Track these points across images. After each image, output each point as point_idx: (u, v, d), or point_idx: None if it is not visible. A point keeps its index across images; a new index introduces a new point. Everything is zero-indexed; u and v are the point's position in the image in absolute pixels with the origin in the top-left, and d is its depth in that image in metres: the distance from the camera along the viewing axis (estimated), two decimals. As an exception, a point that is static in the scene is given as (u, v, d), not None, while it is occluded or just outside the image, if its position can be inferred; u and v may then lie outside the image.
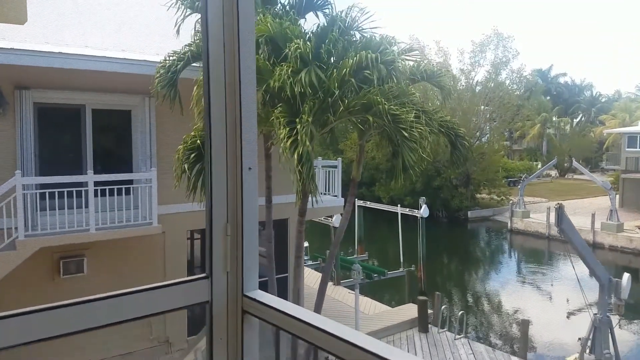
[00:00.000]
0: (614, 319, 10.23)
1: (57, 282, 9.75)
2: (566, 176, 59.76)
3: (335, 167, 13.43)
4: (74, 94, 9.94)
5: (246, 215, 1.65)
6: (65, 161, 10.15)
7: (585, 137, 60.37)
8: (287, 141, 6.25)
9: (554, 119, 63.67)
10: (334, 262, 10.27)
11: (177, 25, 8.63)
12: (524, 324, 12.26)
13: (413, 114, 6.84)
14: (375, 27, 8.24)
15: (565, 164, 57.78)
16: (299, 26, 7.97)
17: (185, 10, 8.71)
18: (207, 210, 1.62)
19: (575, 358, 10.51)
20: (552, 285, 23.05)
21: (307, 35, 7.67)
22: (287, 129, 6.37)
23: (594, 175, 33.08)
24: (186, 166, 7.60)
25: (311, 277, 16.98)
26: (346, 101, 7.06)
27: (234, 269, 1.66)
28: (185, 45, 9.17)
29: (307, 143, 6.21)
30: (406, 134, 6.74)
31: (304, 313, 1.43)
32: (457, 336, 12.66)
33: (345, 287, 16.50)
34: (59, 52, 9.04)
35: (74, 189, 8.97)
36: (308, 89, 6.57)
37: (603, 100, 72.71)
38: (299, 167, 6.22)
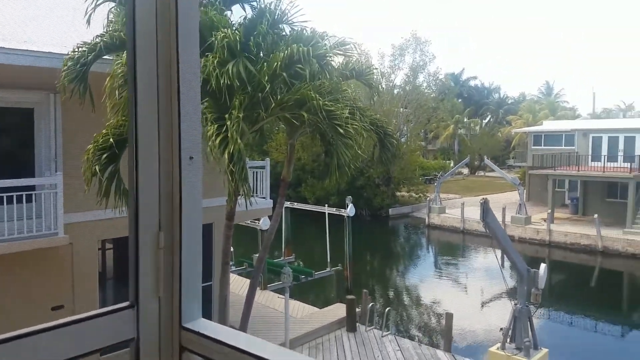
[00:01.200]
0: (532, 308, 10.78)
1: (-58, 306, 8.42)
2: (477, 174, 63.75)
3: (263, 167, 13.00)
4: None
5: (186, 219, 1.24)
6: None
7: (494, 136, 64.85)
8: (216, 139, 5.74)
9: (465, 120, 67.54)
10: (263, 266, 9.81)
11: (88, 14, 7.75)
12: (448, 318, 12.59)
13: (347, 110, 6.62)
14: (306, 21, 7.97)
15: (476, 162, 61.50)
16: (225, 16, 7.46)
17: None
18: (132, 215, 1.20)
19: (498, 347, 10.94)
20: (466, 277, 24.22)
21: (234, 27, 7.19)
22: (216, 125, 5.86)
23: (503, 172, 35.41)
24: (97, 168, 6.80)
25: (236, 283, 16.38)
26: (278, 97, 6.69)
27: (168, 293, 1.25)
28: (97, 35, 8.29)
29: (239, 141, 5.76)
30: (342, 131, 6.50)
31: (267, 347, 1.07)
32: (385, 333, 12.73)
33: (272, 291, 16.09)
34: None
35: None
36: (236, 82, 6.10)
37: (510, 102, 78.46)
38: (231, 167, 5.74)
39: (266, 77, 6.56)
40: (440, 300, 20.05)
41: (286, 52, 6.52)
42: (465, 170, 61.06)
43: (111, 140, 6.82)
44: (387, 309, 13.71)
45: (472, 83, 78.64)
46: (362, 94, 18.35)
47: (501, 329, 11.04)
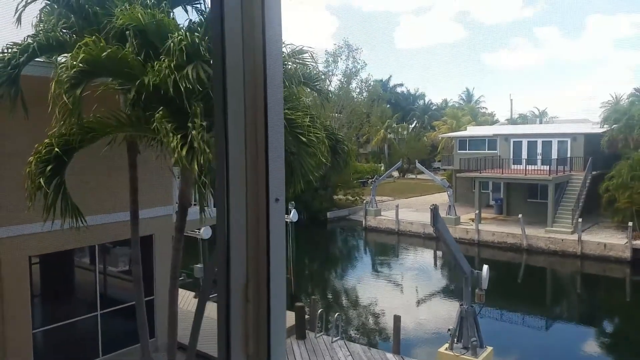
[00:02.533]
0: (477, 308, 11.27)
1: None
2: (406, 176, 66.09)
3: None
4: None
5: (274, 267, 1.14)
6: None
7: (420, 141, 67.51)
8: (182, 150, 5.43)
9: (394, 125, 69.80)
10: (211, 279, 9.45)
11: (18, 12, 7.09)
12: (396, 320, 12.85)
13: (308, 118, 6.54)
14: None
15: (405, 166, 63.71)
16: (173, 19, 7.12)
17: (26, -5, 7.20)
18: (223, 267, 1.09)
19: (446, 348, 11.32)
20: (402, 277, 24.99)
21: (183, 30, 6.86)
22: (179, 135, 5.55)
23: (433, 175, 36.93)
24: (42, 181, 6.20)
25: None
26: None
27: (256, 350, 1.14)
28: (29, 35, 7.60)
29: (207, 150, 5.48)
30: (304, 139, 6.40)
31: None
32: (334, 339, 12.77)
33: (214, 301, 15.59)
34: None
35: None
36: (197, 87, 5.81)
37: (433, 108, 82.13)
38: (203, 179, 5.47)
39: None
40: (378, 300, 20.52)
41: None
42: (396, 173, 63.12)
43: (56, 150, 6.26)
44: (337, 314, 13.76)
45: (399, 90, 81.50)
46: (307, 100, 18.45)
47: (449, 329, 11.44)
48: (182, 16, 8.88)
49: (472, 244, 28.43)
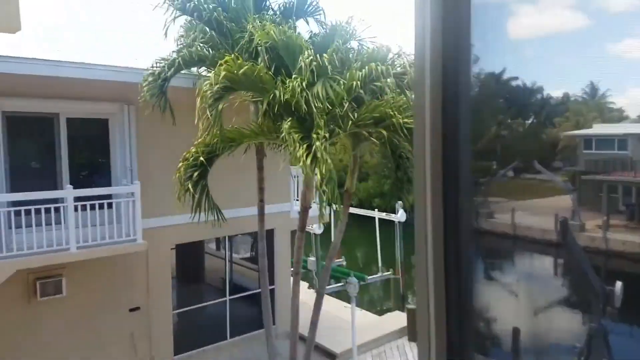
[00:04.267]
0: (607, 327, 10.36)
1: (35, 305, 9.02)
2: (520, 177, 62.07)
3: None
4: (47, 102, 9.21)
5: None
6: (40, 175, 9.39)
7: (537, 139, 62.95)
8: (306, 159, 5.94)
9: (507, 121, 65.99)
10: (329, 274, 9.99)
11: (166, 26, 8.10)
12: (515, 333, 12.33)
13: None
14: (374, 37, 8.08)
15: (520, 165, 60.05)
16: (300, 35, 7.67)
17: (174, 12, 8.20)
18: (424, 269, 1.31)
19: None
20: (517, 283, 23.57)
21: (309, 45, 7.39)
22: (304, 145, 6.06)
23: (553, 176, 34.33)
24: (190, 185, 7.14)
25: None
26: (355, 114, 6.82)
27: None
28: (174, 50, 8.66)
29: (329, 161, 5.93)
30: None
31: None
32: (446, 343, 12.64)
33: (327, 294, 16.23)
34: (32, 58, 8.34)
35: (51, 205, 8.30)
36: (326, 104, 6.28)
37: (553, 103, 75.77)
38: (324, 186, 5.93)
39: (344, 96, 6.71)
40: (491, 306, 19.67)
41: (365, 70, 6.65)
42: (510, 173, 59.76)
43: (201, 158, 7.15)
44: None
45: (513, 83, 76.63)
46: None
47: (575, 346, 10.73)
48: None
49: (598, 254, 25.97)
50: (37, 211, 8.22)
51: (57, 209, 8.47)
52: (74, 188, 8.60)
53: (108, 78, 8.99)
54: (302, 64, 6.53)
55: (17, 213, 8.33)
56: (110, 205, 9.23)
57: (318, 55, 6.62)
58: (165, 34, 8.83)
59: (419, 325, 1.28)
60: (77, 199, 8.63)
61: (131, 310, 10.22)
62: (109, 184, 9.95)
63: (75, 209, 8.50)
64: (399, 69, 6.58)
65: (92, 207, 8.78)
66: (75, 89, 9.27)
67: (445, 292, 1.25)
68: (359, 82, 6.59)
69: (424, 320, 1.27)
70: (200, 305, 11.53)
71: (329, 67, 6.51)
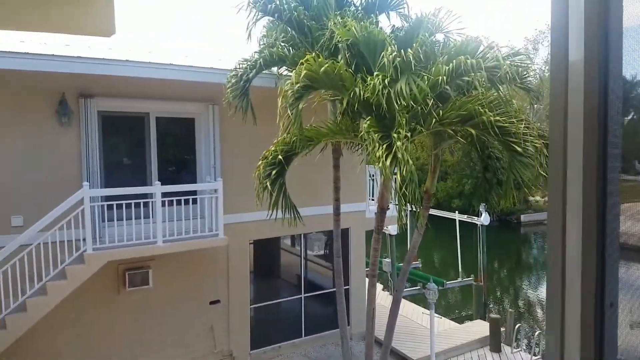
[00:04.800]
0: None
1: (124, 295, 9.57)
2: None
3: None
4: (138, 102, 9.72)
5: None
6: (130, 171, 9.95)
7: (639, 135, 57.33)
8: (386, 160, 5.68)
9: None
10: (406, 278, 9.64)
11: (249, 29, 8.20)
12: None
13: (523, 125, 6.14)
14: (462, 29, 7.60)
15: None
16: (382, 30, 7.39)
17: (257, 14, 8.27)
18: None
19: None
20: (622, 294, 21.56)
21: (391, 39, 7.08)
22: (384, 145, 5.79)
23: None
24: (268, 183, 7.17)
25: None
26: (440, 112, 6.43)
27: None
28: (255, 52, 8.76)
29: (410, 162, 5.63)
30: (519, 149, 6.04)
31: None
32: (534, 357, 11.81)
33: (403, 298, 15.82)
34: (125, 60, 8.81)
35: (140, 200, 8.74)
36: (410, 101, 5.97)
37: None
38: (404, 189, 5.64)
39: (428, 92, 6.35)
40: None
41: (452, 64, 6.24)
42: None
43: (280, 157, 7.15)
44: (538, 332, 12.71)
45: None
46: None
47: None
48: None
49: None
50: (128, 206, 8.68)
51: (145, 204, 8.90)
52: (162, 184, 8.99)
53: (194, 79, 9.34)
54: (385, 60, 6.25)
55: (109, 207, 8.88)
56: (194, 201, 9.57)
57: (402, 51, 6.30)
58: (249, 35, 8.94)
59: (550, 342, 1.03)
60: (164, 194, 9.02)
61: (211, 303, 10.55)
62: (194, 181, 10.35)
63: (163, 204, 8.88)
64: (490, 62, 6.08)
65: (178, 202, 9.14)
66: (164, 89, 9.71)
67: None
68: (444, 77, 6.19)
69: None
70: (276, 301, 11.66)
71: (413, 62, 6.17)
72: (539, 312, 19.38)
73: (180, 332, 10.24)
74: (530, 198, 35.73)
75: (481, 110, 6.12)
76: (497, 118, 6.12)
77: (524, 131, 6.05)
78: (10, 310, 7.56)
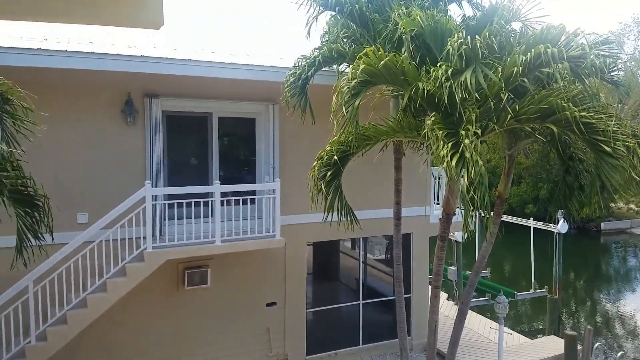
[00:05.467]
0: None
1: (182, 293, 9.61)
2: None
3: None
4: (201, 102, 9.74)
5: None
6: (192, 170, 9.99)
7: None
8: (451, 160, 5.14)
9: None
10: (473, 290, 8.92)
11: (308, 24, 7.90)
12: None
13: (613, 121, 5.36)
14: (543, 16, 6.84)
15: None
16: (450, 18, 6.81)
17: (318, 8, 7.96)
18: None
19: None
20: None
21: (461, 29, 6.48)
22: (450, 144, 5.25)
23: None
24: (323, 185, 6.83)
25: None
26: (516, 107, 5.77)
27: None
28: (315, 48, 8.45)
29: (480, 162, 5.05)
30: (608, 149, 5.28)
31: None
32: (616, 382, 10.62)
33: (470, 309, 14.92)
34: (188, 59, 8.82)
35: (200, 200, 8.71)
36: (475, 94, 5.39)
37: None
38: (472, 193, 5.08)
39: (501, 85, 5.71)
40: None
41: (530, 54, 5.57)
42: None
43: (335, 157, 6.79)
44: (621, 352, 11.46)
45: None
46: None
47: None
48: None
49: None
50: (188, 205, 8.68)
51: (205, 203, 8.88)
52: (222, 184, 8.93)
53: (256, 78, 9.20)
54: (449, 47, 5.69)
55: (170, 206, 8.93)
56: (253, 201, 9.44)
57: (469, 38, 5.71)
58: (308, 31, 8.65)
59: None
60: (224, 194, 8.95)
61: (268, 305, 10.38)
62: (253, 181, 10.26)
63: (222, 204, 8.81)
64: (575, 51, 5.35)
65: (237, 202, 9.04)
66: (226, 89, 9.67)
67: None
68: (521, 68, 5.53)
69: None
70: (334, 305, 11.30)
71: (482, 50, 5.56)
72: (619, 329, 17.63)
73: (237, 333, 10.15)
74: (612, 205, 32.96)
75: (564, 104, 5.39)
76: (583, 114, 5.38)
77: (614, 129, 5.26)
78: (72, 306, 7.74)
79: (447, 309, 15.24)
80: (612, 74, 6.90)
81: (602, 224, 31.92)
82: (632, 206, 32.80)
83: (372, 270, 11.86)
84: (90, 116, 8.86)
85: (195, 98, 9.65)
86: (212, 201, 8.80)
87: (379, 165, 9.84)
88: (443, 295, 16.30)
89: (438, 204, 12.03)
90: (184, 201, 8.61)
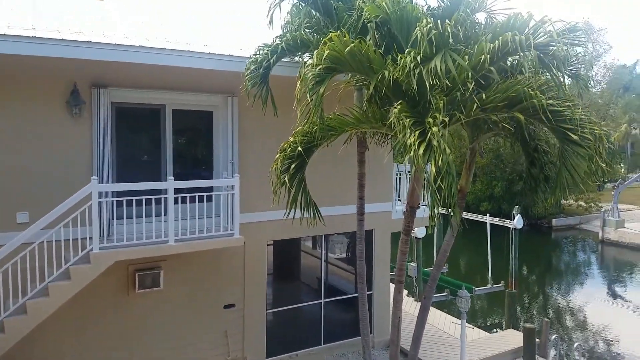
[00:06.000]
0: None
1: (132, 297, 9.02)
2: (657, 181, 54.64)
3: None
4: (154, 93, 9.17)
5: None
6: (144, 166, 9.40)
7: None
8: (419, 148, 4.93)
9: (641, 119, 58.34)
10: (435, 284, 8.84)
11: (271, 11, 7.54)
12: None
13: (580, 110, 5.32)
14: (509, 8, 6.77)
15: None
16: (416, 6, 6.63)
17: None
18: None
19: None
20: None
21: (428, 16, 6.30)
22: (417, 131, 5.05)
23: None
24: (287, 178, 6.48)
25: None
26: (483, 95, 5.64)
27: None
28: (277, 36, 8.09)
29: (448, 151, 4.87)
30: (575, 137, 5.22)
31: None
32: (572, 373, 10.86)
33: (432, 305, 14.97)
34: (139, 46, 8.25)
35: (152, 197, 8.18)
36: (446, 82, 5.21)
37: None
38: (439, 182, 4.88)
39: (468, 73, 5.57)
40: (613, 327, 17.05)
41: (497, 41, 5.45)
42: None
43: (299, 149, 6.46)
44: (577, 343, 11.73)
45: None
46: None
47: None
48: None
49: None
50: (138, 202, 8.14)
51: (158, 201, 8.35)
52: (177, 180, 8.42)
53: (214, 67, 8.70)
54: (419, 33, 5.49)
55: (119, 204, 8.34)
56: (209, 198, 8.98)
57: (439, 22, 5.53)
58: (271, 20, 8.30)
59: None
60: (178, 190, 8.45)
61: (226, 307, 9.93)
62: (210, 177, 9.78)
63: (176, 201, 8.32)
64: (542, 38, 5.27)
65: (192, 199, 8.56)
66: (181, 80, 9.14)
67: None
68: (488, 56, 5.40)
69: None
70: (294, 305, 10.97)
71: (452, 39, 5.40)
72: (570, 321, 18.24)
73: (193, 338, 9.64)
74: (564, 201, 34.31)
75: (531, 92, 5.31)
76: (550, 101, 5.31)
77: (582, 116, 5.22)
78: (9, 313, 7.05)
79: (408, 305, 15.25)
80: (572, 67, 6.93)
81: (554, 220, 33.13)
82: (582, 203, 34.21)
83: (333, 269, 11.62)
84: (32, 107, 8.15)
85: (148, 89, 9.08)
86: (165, 198, 8.29)
87: (342, 161, 9.61)
88: (403, 292, 16.30)
89: (400, 200, 11.95)
90: (134, 198, 8.05)
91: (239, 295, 10.04)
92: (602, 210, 30.82)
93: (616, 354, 15.31)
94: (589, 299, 21.23)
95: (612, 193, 30.75)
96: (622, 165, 52.25)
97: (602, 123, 31.37)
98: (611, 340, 16.31)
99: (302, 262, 11.42)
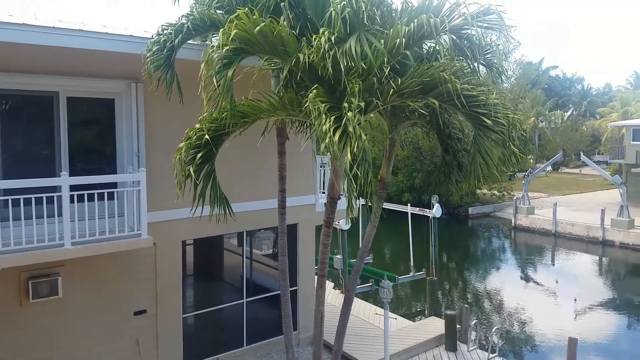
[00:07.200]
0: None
1: (27, 308, 7.99)
2: (560, 170, 59.48)
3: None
4: (45, 79, 8.11)
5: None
6: (36, 162, 8.32)
7: (578, 130, 60.27)
8: (334, 135, 4.58)
9: (546, 112, 63.11)
10: (358, 276, 8.66)
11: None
12: (571, 343, 10.75)
13: (494, 95, 5.24)
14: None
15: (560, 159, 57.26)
16: (331, -14, 6.27)
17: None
18: None
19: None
20: (557, 284, 21.90)
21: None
22: (332, 117, 4.70)
23: (601, 169, 32.10)
24: (192, 169, 5.87)
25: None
26: (399, 80, 5.41)
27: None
28: (183, 15, 7.40)
29: (363, 137, 4.57)
30: (489, 121, 5.12)
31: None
32: (491, 355, 11.20)
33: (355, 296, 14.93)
34: (23, 24, 7.20)
35: (44, 195, 7.23)
36: (362, 64, 4.89)
37: (594, 93, 72.71)
38: (355, 169, 4.56)
39: (384, 57, 5.32)
40: (527, 308, 18.14)
41: (413, 24, 5.24)
42: (548, 167, 57.13)
43: (206, 137, 5.87)
44: (495, 327, 12.13)
45: (552, 73, 73.35)
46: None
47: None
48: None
49: (652, 253, 24.00)
50: (28, 202, 7.15)
51: (50, 200, 7.39)
52: (75, 175, 7.50)
53: (108, 48, 7.78)
54: (332, 11, 5.15)
55: (5, 204, 7.30)
56: (112, 196, 8.13)
57: (353, 0, 5.21)
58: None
59: None
60: (74, 188, 7.54)
61: (136, 313, 9.11)
62: (114, 172, 8.86)
63: (72, 200, 7.41)
64: (458, 21, 5.13)
65: (92, 197, 7.67)
66: (76, 63, 8.16)
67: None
68: (404, 40, 5.18)
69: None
70: (214, 308, 10.34)
71: (367, 19, 5.11)
72: (488, 306, 19.10)
73: (100, 348, 8.74)
74: (478, 191, 36.11)
75: (446, 77, 5.16)
76: (465, 86, 5.19)
77: (495, 101, 5.15)
78: None
79: (334, 298, 15.13)
80: (487, 56, 6.92)
81: (470, 209, 34.79)
82: (495, 192, 36.16)
83: (258, 266, 11.13)
84: None
85: (37, 74, 8.02)
86: (59, 196, 7.35)
87: (263, 153, 9.13)
88: (329, 285, 16.17)
89: (324, 192, 11.68)
90: (22, 197, 7.07)
91: (150, 300, 9.26)
92: (514, 198, 32.76)
93: (530, 332, 16.22)
94: (504, 282, 22.41)
95: (523, 182, 32.80)
96: (530, 156, 56.20)
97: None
98: (525, 320, 17.26)
99: (225, 261, 10.80)
